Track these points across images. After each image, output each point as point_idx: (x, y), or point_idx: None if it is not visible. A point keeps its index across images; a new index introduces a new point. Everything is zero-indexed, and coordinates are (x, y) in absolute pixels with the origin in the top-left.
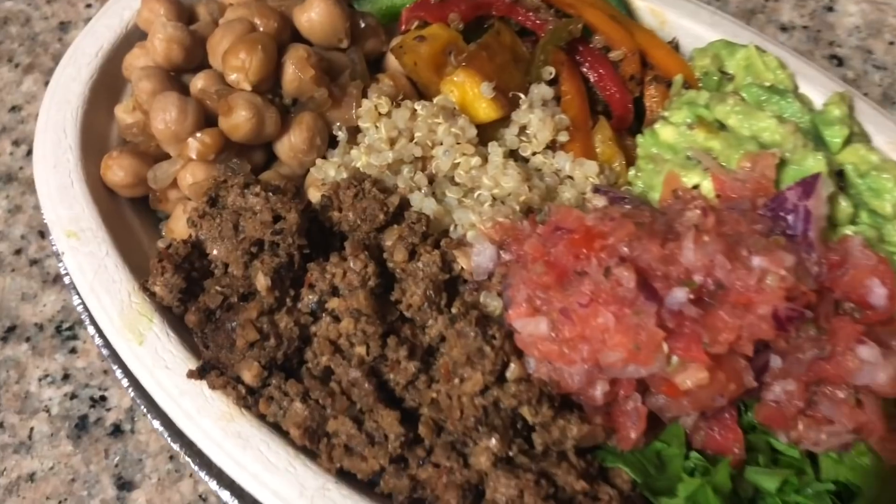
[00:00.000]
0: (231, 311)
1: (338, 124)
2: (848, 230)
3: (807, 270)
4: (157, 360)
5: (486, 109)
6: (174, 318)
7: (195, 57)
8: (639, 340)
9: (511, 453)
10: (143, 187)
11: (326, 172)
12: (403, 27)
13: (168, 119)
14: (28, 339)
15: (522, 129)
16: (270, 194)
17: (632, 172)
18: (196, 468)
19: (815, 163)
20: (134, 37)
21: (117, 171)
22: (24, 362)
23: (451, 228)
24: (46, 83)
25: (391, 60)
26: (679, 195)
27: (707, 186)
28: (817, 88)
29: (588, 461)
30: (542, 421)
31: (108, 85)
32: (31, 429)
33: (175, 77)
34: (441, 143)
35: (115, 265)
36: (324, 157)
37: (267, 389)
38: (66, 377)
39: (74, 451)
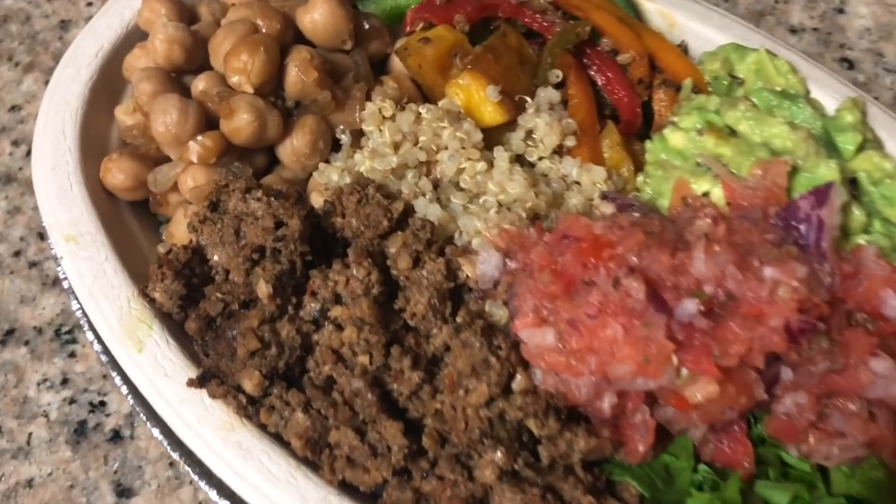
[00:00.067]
0: (232, 319)
1: (341, 127)
2: (861, 239)
3: (819, 281)
4: (157, 367)
5: (491, 113)
6: (174, 325)
7: (196, 58)
8: (648, 353)
9: (517, 467)
10: (143, 190)
11: (329, 177)
12: (408, 28)
13: (169, 122)
14: (27, 343)
15: (529, 133)
16: (272, 199)
17: (640, 178)
18: (196, 478)
19: (827, 170)
20: (134, 37)
21: (117, 173)
22: (23, 366)
23: (456, 235)
24: (47, 82)
25: (395, 62)
26: (689, 203)
27: (717, 194)
28: (829, 93)
29: (595, 475)
30: (548, 434)
31: (108, 86)
32: (30, 434)
33: (176, 78)
34: (446, 148)
35: (115, 270)
36: (327, 161)
37: (268, 399)
38: (65, 382)
39: (73, 456)
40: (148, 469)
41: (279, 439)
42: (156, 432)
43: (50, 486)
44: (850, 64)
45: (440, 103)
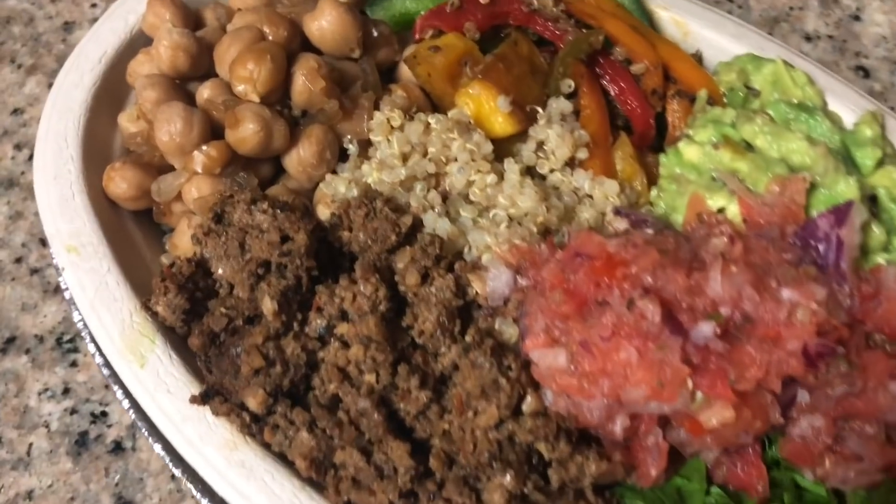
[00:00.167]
0: (236, 336)
1: (348, 137)
2: (880, 258)
3: (839, 304)
4: (159, 383)
5: (502, 124)
6: (177, 339)
7: (202, 64)
8: (662, 377)
9: (526, 490)
10: (146, 200)
11: (336, 188)
12: (417, 36)
13: (173, 131)
14: (28, 352)
15: (540, 144)
16: (278, 211)
17: (654, 192)
18: (198, 495)
19: (846, 187)
20: (139, 42)
21: (120, 182)
22: (24, 375)
23: (466, 250)
24: (50, 85)
25: (404, 70)
26: (704, 219)
27: (733, 210)
28: (847, 105)
29: (606, 499)
30: (559, 457)
31: (111, 92)
32: (30, 445)
33: (180, 85)
34: (455, 160)
35: (117, 282)
36: (334, 172)
37: (272, 417)
38: (66, 391)
39: (74, 468)
40: (150, 482)
41: (283, 459)
42: (158, 448)
43: (50, 498)
44: (865, 72)
45: (450, 114)
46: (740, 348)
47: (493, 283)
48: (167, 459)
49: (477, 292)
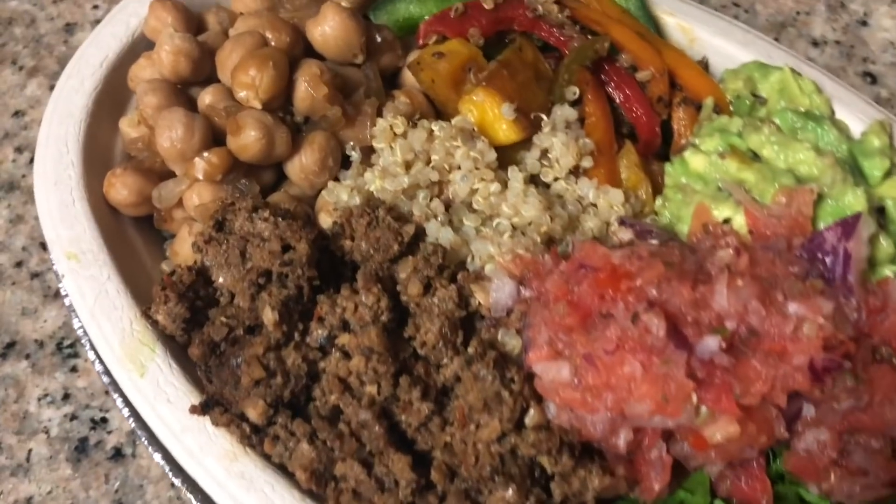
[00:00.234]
0: (236, 346)
1: (351, 144)
2: (888, 270)
3: (846, 317)
4: (159, 393)
5: (506, 131)
6: (177, 348)
7: (203, 69)
8: (667, 391)
9: None
10: (147, 206)
11: (339, 196)
12: (421, 41)
13: (174, 137)
14: (28, 357)
15: (544, 152)
16: (280, 220)
17: (659, 202)
18: None
19: (854, 199)
20: (140, 46)
21: (121, 189)
22: (24, 380)
23: (469, 260)
24: (51, 87)
25: (407, 76)
26: (709, 230)
27: (739, 221)
28: (854, 114)
29: None
30: (561, 471)
31: (112, 96)
32: (30, 451)
33: (182, 90)
34: (459, 168)
35: (117, 290)
36: (336, 179)
37: (272, 428)
38: (66, 397)
39: (73, 474)
40: (150, 489)
41: (284, 470)
42: (157, 457)
43: None
44: (872, 79)
45: (453, 121)
46: (746, 362)
47: (496, 293)
48: (167, 469)
49: (480, 303)
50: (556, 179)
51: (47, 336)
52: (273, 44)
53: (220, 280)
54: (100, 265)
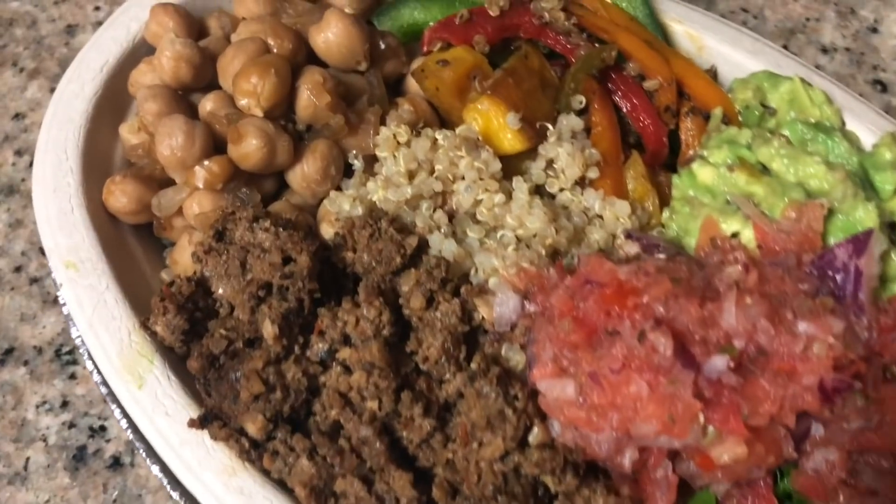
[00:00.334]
0: (236, 360)
1: (354, 152)
2: None
3: (856, 337)
4: (157, 405)
5: (511, 141)
6: (176, 359)
7: (205, 75)
8: (674, 411)
9: None
10: (146, 214)
11: (341, 206)
12: (426, 48)
13: (174, 145)
14: (26, 363)
15: (549, 162)
16: (281, 230)
17: (666, 214)
18: None
19: (865, 214)
20: (141, 51)
21: (120, 196)
22: (22, 387)
23: (472, 272)
24: (52, 90)
25: (411, 83)
26: (717, 244)
27: (748, 235)
28: (865, 125)
29: None
30: (565, 490)
31: (112, 102)
32: (27, 459)
33: (183, 96)
34: (463, 178)
35: (116, 300)
36: (338, 188)
37: (272, 443)
38: (64, 404)
39: (72, 483)
40: (148, 498)
41: (283, 486)
42: (155, 469)
43: None
44: (883, 87)
45: (458, 130)
46: (754, 382)
47: (499, 308)
48: (165, 482)
49: (483, 317)
50: (561, 190)
51: (46, 342)
52: (275, 50)
53: (220, 291)
54: (98, 274)
